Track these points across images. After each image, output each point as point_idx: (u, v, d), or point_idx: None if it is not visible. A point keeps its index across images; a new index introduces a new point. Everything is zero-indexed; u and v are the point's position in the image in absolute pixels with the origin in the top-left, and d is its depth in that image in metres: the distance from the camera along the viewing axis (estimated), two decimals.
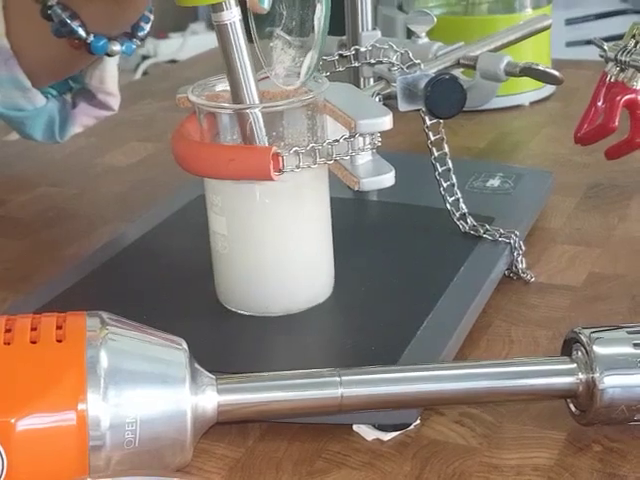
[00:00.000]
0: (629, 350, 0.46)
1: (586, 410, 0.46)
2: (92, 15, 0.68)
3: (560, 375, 0.46)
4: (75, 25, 0.68)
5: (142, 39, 0.72)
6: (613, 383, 0.45)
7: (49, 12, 0.68)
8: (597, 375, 0.45)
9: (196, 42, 2.59)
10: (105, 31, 0.69)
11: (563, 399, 0.48)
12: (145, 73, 2.58)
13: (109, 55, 0.72)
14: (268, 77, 0.54)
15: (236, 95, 0.51)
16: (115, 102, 0.79)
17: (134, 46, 0.72)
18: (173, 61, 2.45)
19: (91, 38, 0.69)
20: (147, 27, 0.72)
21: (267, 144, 0.51)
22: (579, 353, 0.47)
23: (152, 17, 0.73)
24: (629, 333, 0.47)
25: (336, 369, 0.46)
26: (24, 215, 0.76)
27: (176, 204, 0.69)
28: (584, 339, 0.46)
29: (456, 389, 0.46)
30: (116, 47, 0.70)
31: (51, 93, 0.76)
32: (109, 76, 0.77)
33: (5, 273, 0.67)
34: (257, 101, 0.51)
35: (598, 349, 0.46)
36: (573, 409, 0.48)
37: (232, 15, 0.50)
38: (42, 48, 0.71)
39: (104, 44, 0.70)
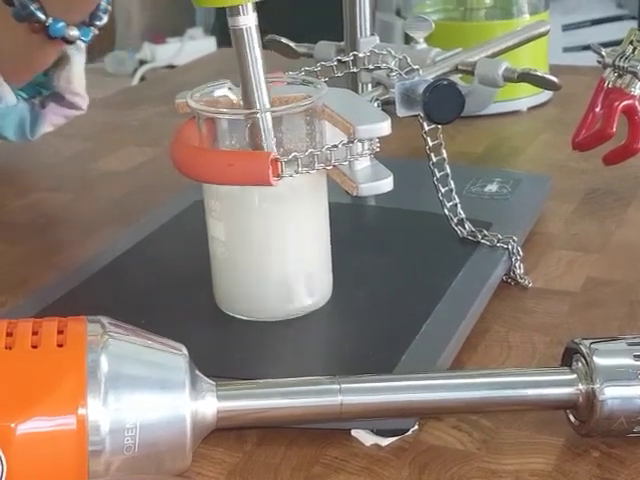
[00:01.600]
0: (629, 362, 0.46)
1: (585, 421, 0.46)
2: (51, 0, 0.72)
3: (560, 386, 0.46)
4: (34, 7, 0.71)
5: (100, 28, 0.76)
6: (613, 394, 0.45)
7: None
8: (597, 386, 0.45)
9: (193, 47, 2.59)
10: (63, 16, 0.73)
11: (563, 410, 0.48)
12: (142, 78, 2.58)
13: (67, 41, 0.74)
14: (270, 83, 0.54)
15: (246, 99, 0.51)
16: (83, 102, 0.83)
17: (91, 33, 0.75)
18: (171, 66, 2.45)
19: (50, 21, 0.72)
20: (105, 17, 0.76)
21: (274, 149, 0.51)
22: (579, 364, 0.47)
23: (109, 8, 0.76)
24: (629, 345, 0.46)
25: (335, 377, 0.46)
26: (20, 220, 0.76)
27: (174, 209, 0.69)
28: (584, 350, 0.46)
29: (455, 398, 0.46)
30: (74, 32, 0.73)
31: (21, 95, 0.79)
32: (76, 77, 0.80)
33: (3, 277, 0.67)
34: (267, 107, 0.51)
35: (598, 360, 0.46)
36: (572, 420, 0.48)
37: (248, 20, 0.50)
38: (6, 39, 0.73)
39: (62, 27, 0.73)
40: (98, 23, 0.76)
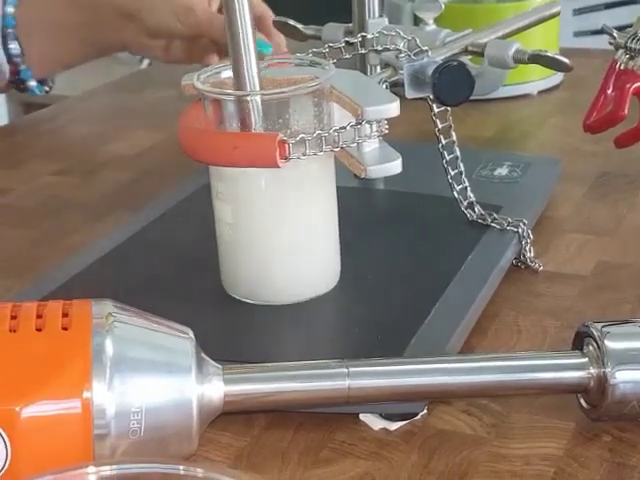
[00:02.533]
0: None
1: (597, 405, 0.46)
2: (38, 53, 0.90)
3: (571, 369, 0.46)
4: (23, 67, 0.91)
5: (47, 92, 0.96)
6: (625, 378, 0.45)
7: None
8: (609, 370, 0.45)
9: None
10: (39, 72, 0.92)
11: (574, 394, 0.47)
12: (150, 63, 2.57)
13: (24, 89, 0.93)
14: (275, 63, 0.53)
15: (236, 73, 0.51)
16: None
17: (43, 91, 0.95)
18: None
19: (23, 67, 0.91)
20: (48, 87, 0.96)
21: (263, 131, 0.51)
22: (590, 347, 0.46)
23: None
24: None
25: (343, 360, 0.45)
26: (28, 204, 0.76)
27: (182, 193, 0.69)
28: (596, 333, 0.46)
29: (465, 382, 0.46)
30: (32, 83, 0.93)
31: None
32: None
33: (10, 262, 0.67)
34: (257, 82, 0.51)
35: (610, 344, 0.45)
36: (584, 404, 0.47)
37: None
38: None
39: (30, 78, 0.92)
40: (50, 83, 0.96)
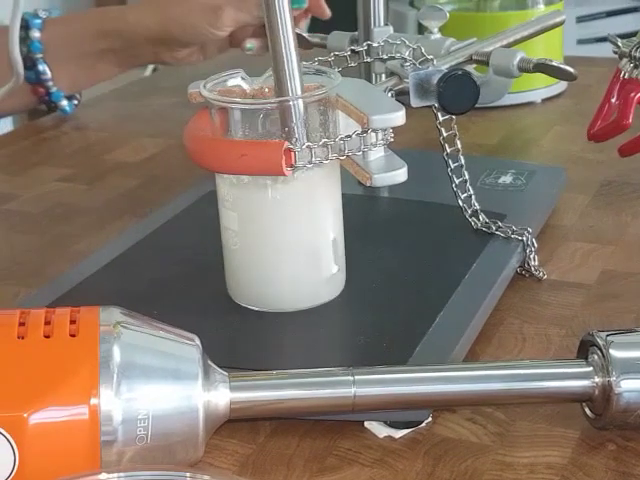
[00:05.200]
0: None
1: (601, 414, 0.46)
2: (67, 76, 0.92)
3: (576, 378, 0.46)
4: (48, 78, 0.92)
5: (77, 104, 0.97)
6: (630, 387, 0.45)
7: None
8: (613, 379, 0.45)
9: None
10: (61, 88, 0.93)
11: (578, 402, 0.48)
12: (155, 69, 2.58)
13: (54, 108, 0.95)
14: None
15: (277, 79, 0.51)
16: None
17: (74, 106, 0.97)
18: None
19: (54, 89, 0.92)
20: (77, 101, 0.98)
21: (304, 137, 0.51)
22: (595, 356, 0.46)
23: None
24: None
25: (349, 368, 0.45)
26: (35, 210, 0.76)
27: (187, 200, 0.69)
28: (600, 342, 0.46)
29: (470, 390, 0.46)
30: (63, 102, 0.94)
31: None
32: None
33: (17, 268, 0.67)
34: (299, 88, 0.51)
35: (615, 352, 0.45)
36: (588, 413, 0.47)
37: None
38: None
39: (60, 97, 0.93)
40: (78, 97, 0.96)
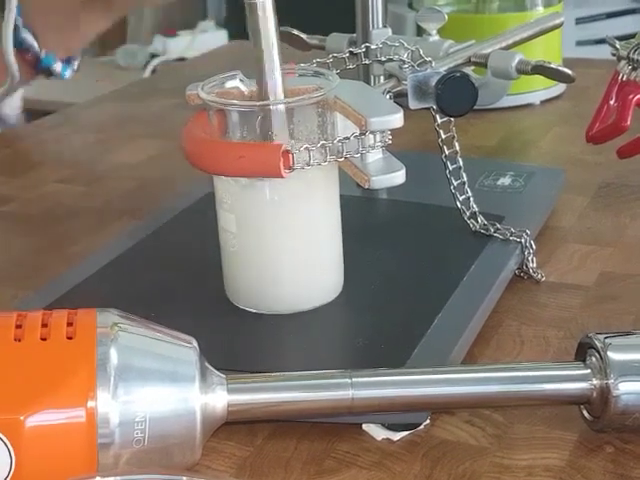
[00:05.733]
0: None
1: (599, 416, 0.46)
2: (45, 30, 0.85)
3: (574, 381, 0.46)
4: (32, 39, 0.84)
5: (75, 70, 0.88)
6: (628, 390, 0.45)
7: None
8: (611, 381, 0.45)
9: (205, 40, 2.58)
10: (54, 50, 0.85)
11: (576, 405, 0.47)
12: (154, 71, 2.58)
13: (48, 74, 0.87)
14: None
15: (259, 83, 0.51)
16: (12, 119, 0.87)
17: (70, 70, 0.87)
18: (182, 59, 2.44)
19: (43, 54, 0.84)
20: (79, 57, 0.89)
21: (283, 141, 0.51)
22: (593, 359, 0.46)
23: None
24: None
25: (347, 370, 0.45)
26: (33, 212, 0.76)
27: (185, 201, 0.69)
28: (598, 344, 0.46)
29: (468, 393, 0.46)
30: (57, 65, 0.86)
31: None
32: (7, 101, 0.88)
33: (14, 270, 0.67)
34: (280, 93, 0.51)
35: (613, 355, 0.45)
36: (586, 415, 0.47)
37: None
38: None
39: (52, 61, 0.85)
40: (75, 62, 0.87)
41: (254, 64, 0.51)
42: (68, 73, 0.90)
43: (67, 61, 0.90)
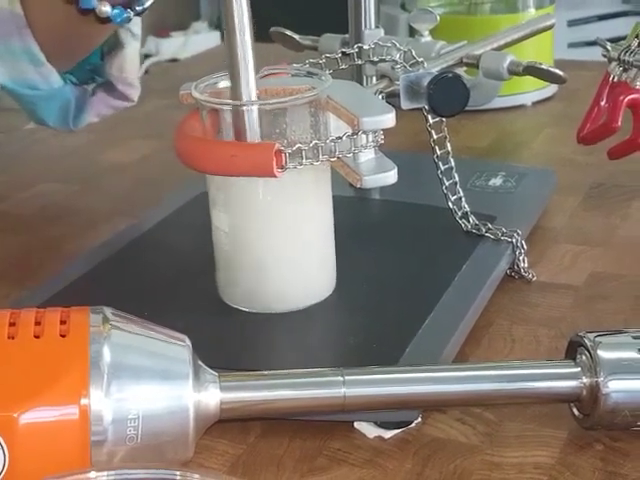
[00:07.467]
0: (634, 355, 0.46)
1: (589, 414, 0.46)
2: None
3: (564, 379, 0.46)
4: None
5: (139, 13, 0.67)
6: (617, 388, 0.45)
7: None
8: (601, 379, 0.45)
9: (198, 41, 2.59)
10: None
11: (566, 403, 0.48)
12: (147, 71, 2.58)
13: (98, 18, 0.66)
14: (272, 74, 0.54)
15: (232, 78, 0.51)
16: (135, 93, 0.75)
17: (125, 15, 0.66)
18: (175, 60, 2.45)
19: None
20: (147, 3, 0.67)
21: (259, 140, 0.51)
22: (583, 357, 0.47)
23: None
24: (634, 338, 0.46)
25: (339, 369, 0.46)
26: (25, 211, 0.76)
27: (178, 201, 0.69)
28: (588, 343, 0.46)
29: (459, 391, 0.46)
30: (105, 8, 0.65)
31: (71, 80, 0.73)
32: (129, 65, 0.74)
33: (7, 269, 0.67)
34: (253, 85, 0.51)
35: (602, 353, 0.46)
36: (576, 413, 0.47)
37: None
38: (43, 12, 0.67)
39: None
40: (138, 8, 0.67)
41: (227, 60, 0.51)
42: (119, 18, 0.67)
43: (128, 6, 0.68)
